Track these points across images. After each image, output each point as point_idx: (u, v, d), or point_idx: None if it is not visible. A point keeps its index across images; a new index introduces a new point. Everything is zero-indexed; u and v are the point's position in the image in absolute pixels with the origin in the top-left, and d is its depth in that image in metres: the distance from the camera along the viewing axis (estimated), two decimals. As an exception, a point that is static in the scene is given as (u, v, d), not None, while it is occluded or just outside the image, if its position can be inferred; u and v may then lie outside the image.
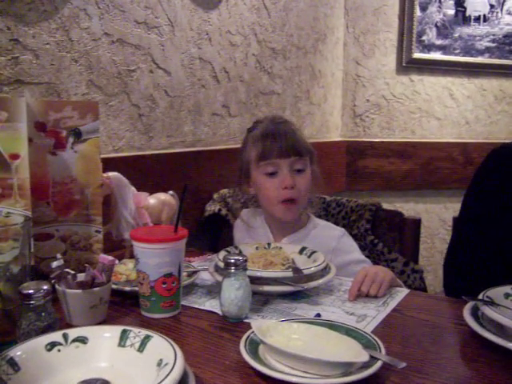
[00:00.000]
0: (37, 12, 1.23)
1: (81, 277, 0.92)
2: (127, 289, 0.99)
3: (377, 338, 0.76)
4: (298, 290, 1.01)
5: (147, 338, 0.68)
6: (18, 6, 1.20)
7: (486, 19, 2.61)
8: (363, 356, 0.69)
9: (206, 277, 1.11)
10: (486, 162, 1.16)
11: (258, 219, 1.41)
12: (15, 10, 1.19)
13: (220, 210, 1.63)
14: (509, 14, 2.62)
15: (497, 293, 0.87)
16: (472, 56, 2.63)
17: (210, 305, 0.97)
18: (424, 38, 2.57)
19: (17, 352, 0.64)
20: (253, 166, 1.30)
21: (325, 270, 1.07)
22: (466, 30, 2.61)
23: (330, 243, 1.30)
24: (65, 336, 0.69)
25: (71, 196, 1.06)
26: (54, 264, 0.88)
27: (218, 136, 1.84)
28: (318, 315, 0.92)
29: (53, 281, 0.86)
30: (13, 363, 0.62)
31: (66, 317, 0.88)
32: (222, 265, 0.99)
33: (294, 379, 0.67)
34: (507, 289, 0.89)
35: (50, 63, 1.28)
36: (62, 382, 0.64)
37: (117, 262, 0.96)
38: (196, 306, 0.97)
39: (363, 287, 1.03)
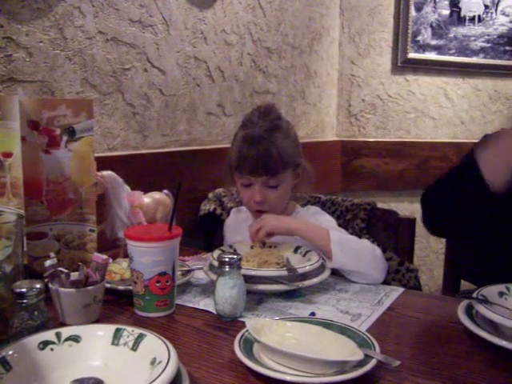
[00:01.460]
0: (30, 9, 1.23)
1: (74, 276, 0.91)
2: (121, 288, 0.98)
3: (371, 337, 0.76)
4: (293, 289, 1.01)
5: (141, 336, 0.68)
6: (11, 3, 1.19)
7: (480, 20, 2.62)
8: (357, 354, 0.69)
9: (200, 276, 1.11)
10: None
11: (246, 215, 1.43)
12: (8, 7, 1.19)
13: (215, 209, 1.63)
14: (503, 14, 2.63)
15: (491, 291, 0.87)
16: (467, 56, 2.64)
17: (205, 304, 0.97)
18: (419, 38, 2.58)
19: (9, 351, 0.63)
20: (233, 169, 1.30)
21: (319, 269, 1.07)
22: (460, 31, 2.62)
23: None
24: (58, 335, 0.68)
25: (65, 195, 1.05)
26: (48, 263, 0.87)
27: (212, 135, 1.84)
28: (313, 314, 0.92)
29: (46, 280, 0.86)
30: (4, 362, 0.61)
31: (60, 316, 0.87)
32: (216, 264, 0.99)
33: (288, 377, 0.66)
34: (501, 287, 0.89)
35: (44, 61, 1.27)
36: (54, 382, 0.64)
37: (111, 260, 0.96)
38: (190, 305, 0.97)
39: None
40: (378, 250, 1.16)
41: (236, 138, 1.30)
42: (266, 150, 1.21)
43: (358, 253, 1.12)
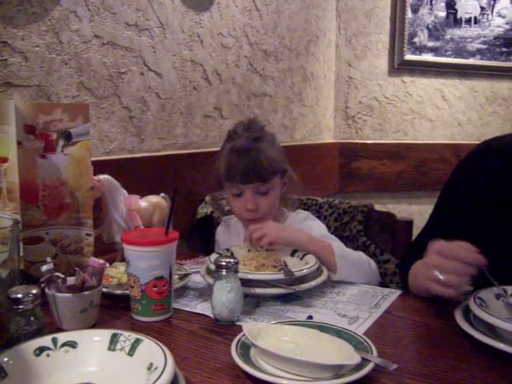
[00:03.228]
0: (26, 14, 1.23)
1: (71, 280, 0.91)
2: (118, 292, 0.98)
3: (368, 340, 0.75)
4: (290, 293, 1.01)
5: (137, 341, 0.67)
6: (7, 7, 1.19)
7: (476, 21, 2.63)
8: (355, 358, 0.68)
9: (197, 279, 1.11)
10: (468, 156, 1.17)
11: (237, 223, 1.43)
12: (3, 11, 1.18)
13: (212, 212, 1.63)
14: (499, 16, 2.64)
15: (488, 293, 0.87)
16: (463, 58, 2.65)
17: (202, 308, 0.97)
18: (415, 39, 2.58)
19: (4, 358, 0.63)
20: (223, 180, 1.31)
21: (317, 272, 1.07)
22: (457, 32, 2.63)
23: (298, 227, 1.31)
24: (54, 340, 0.68)
25: (61, 199, 1.05)
26: (44, 268, 0.87)
27: (210, 138, 1.84)
28: (310, 317, 0.92)
29: (42, 285, 0.86)
30: (0, 369, 0.61)
31: (56, 321, 0.87)
32: (213, 267, 0.98)
33: (285, 382, 0.66)
34: (498, 289, 0.89)
35: (40, 66, 1.27)
36: (50, 388, 0.64)
37: (107, 265, 0.96)
38: (187, 309, 0.96)
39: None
40: (373, 263, 1.22)
41: (223, 150, 1.31)
42: (255, 158, 1.24)
43: (358, 266, 1.17)
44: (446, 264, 0.85)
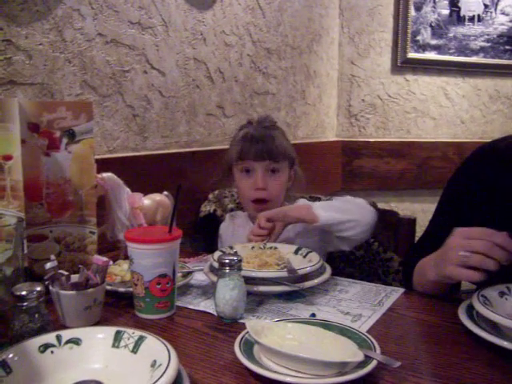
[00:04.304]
0: (29, 12, 1.23)
1: (75, 278, 0.91)
2: (122, 290, 0.98)
3: (372, 338, 0.75)
4: (294, 290, 1.01)
5: (141, 338, 0.68)
6: (10, 6, 1.19)
7: (480, 19, 2.62)
8: (358, 355, 0.69)
9: (200, 277, 1.11)
10: (469, 158, 1.16)
11: (241, 218, 1.48)
12: (7, 10, 1.19)
13: (215, 210, 1.63)
14: (503, 13, 2.63)
15: (492, 291, 0.87)
16: (467, 56, 2.64)
17: (205, 305, 0.97)
18: (419, 37, 2.58)
19: (9, 354, 0.63)
20: (233, 163, 1.39)
21: (320, 270, 1.07)
22: (460, 30, 2.62)
23: None
24: (58, 337, 0.68)
25: (65, 197, 1.05)
26: (48, 265, 0.87)
27: (212, 136, 1.84)
28: (313, 315, 0.92)
29: (46, 282, 0.86)
30: (5, 365, 0.61)
31: (60, 318, 0.87)
32: (216, 265, 0.99)
33: (288, 379, 0.66)
34: (502, 287, 0.89)
35: (44, 64, 1.27)
36: (55, 384, 0.64)
37: (111, 262, 0.96)
38: (191, 307, 0.96)
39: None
40: (359, 198, 1.26)
41: (236, 137, 1.40)
42: (268, 139, 1.33)
43: (341, 205, 1.22)
44: (473, 243, 0.82)
